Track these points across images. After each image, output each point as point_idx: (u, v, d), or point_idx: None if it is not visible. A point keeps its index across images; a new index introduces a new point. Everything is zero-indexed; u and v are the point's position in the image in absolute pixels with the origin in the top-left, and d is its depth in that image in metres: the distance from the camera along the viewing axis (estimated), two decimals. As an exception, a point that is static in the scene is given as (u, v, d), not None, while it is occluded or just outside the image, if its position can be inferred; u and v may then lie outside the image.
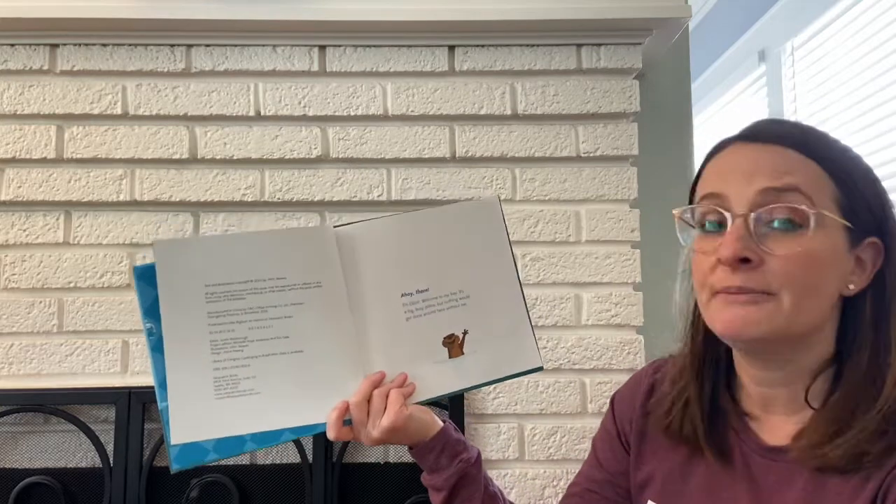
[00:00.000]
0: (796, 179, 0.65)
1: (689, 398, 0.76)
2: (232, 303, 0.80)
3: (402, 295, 0.84)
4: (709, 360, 0.77)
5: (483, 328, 0.84)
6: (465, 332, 0.84)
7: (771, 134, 0.69)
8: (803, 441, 0.66)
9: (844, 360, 0.68)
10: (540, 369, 0.86)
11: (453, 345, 0.84)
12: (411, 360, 0.83)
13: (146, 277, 0.79)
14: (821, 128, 0.72)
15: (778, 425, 0.72)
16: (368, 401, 0.79)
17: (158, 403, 0.78)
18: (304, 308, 0.81)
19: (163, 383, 0.78)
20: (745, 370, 0.74)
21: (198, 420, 0.77)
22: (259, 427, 0.79)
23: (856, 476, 0.63)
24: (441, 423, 0.86)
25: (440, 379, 0.84)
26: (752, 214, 0.66)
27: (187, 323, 0.79)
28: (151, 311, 0.78)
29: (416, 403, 0.83)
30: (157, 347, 0.78)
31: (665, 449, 0.80)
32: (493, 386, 1.40)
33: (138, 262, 1.41)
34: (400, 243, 0.85)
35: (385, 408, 0.79)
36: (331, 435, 0.79)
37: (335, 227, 0.84)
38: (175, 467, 0.76)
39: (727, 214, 0.67)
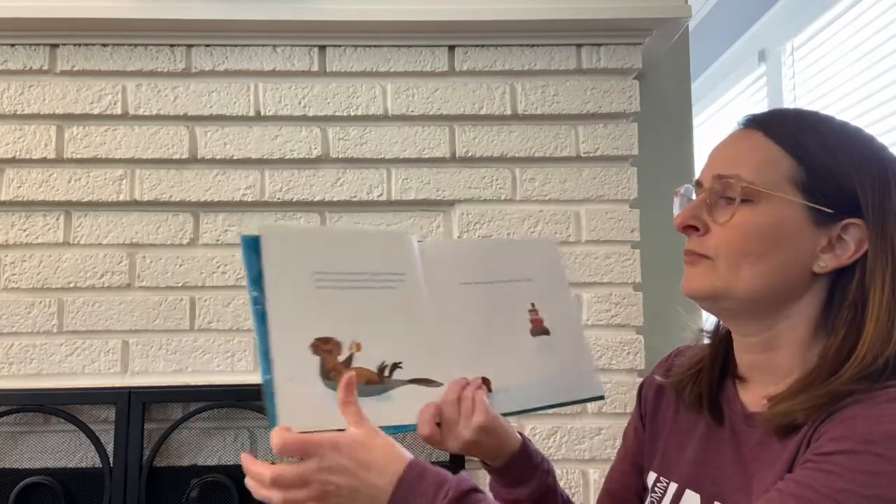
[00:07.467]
0: (743, 165, 0.72)
1: (705, 362, 0.80)
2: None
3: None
4: (724, 328, 0.82)
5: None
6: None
7: (750, 119, 0.76)
8: (767, 412, 0.69)
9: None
10: (602, 398, 0.91)
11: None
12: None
13: (254, 247, 0.79)
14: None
15: (758, 392, 0.74)
16: (458, 402, 0.81)
17: (262, 375, 0.76)
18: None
19: (266, 354, 0.76)
20: (733, 337, 0.79)
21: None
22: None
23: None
24: (519, 437, 0.88)
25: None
26: (706, 191, 0.74)
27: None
28: (258, 280, 0.78)
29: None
30: (261, 318, 0.77)
31: (671, 419, 0.84)
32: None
33: (138, 262, 1.41)
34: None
35: (474, 409, 0.80)
36: (423, 432, 0.79)
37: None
38: None
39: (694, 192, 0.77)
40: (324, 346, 0.79)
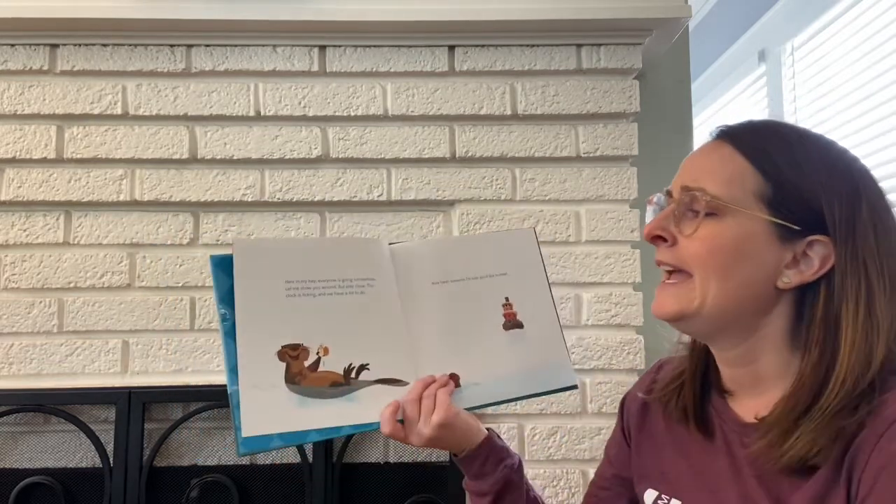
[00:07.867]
0: (709, 178, 0.71)
1: (685, 376, 0.81)
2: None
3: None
4: (701, 343, 0.82)
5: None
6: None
7: (722, 131, 0.76)
8: (760, 442, 0.68)
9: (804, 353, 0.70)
10: (575, 388, 0.90)
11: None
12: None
13: (223, 266, 0.82)
14: (819, 128, 0.74)
15: (748, 404, 0.75)
16: (419, 401, 0.83)
17: (228, 388, 0.79)
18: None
19: (233, 368, 0.80)
20: (712, 351, 0.79)
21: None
22: (324, 423, 0.81)
23: (808, 469, 0.66)
24: (485, 431, 0.90)
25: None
26: (674, 202, 0.74)
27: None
28: (226, 298, 0.81)
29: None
30: (229, 333, 0.81)
31: (661, 435, 0.84)
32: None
33: (138, 262, 1.41)
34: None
35: (434, 407, 0.82)
36: (385, 430, 0.82)
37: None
38: (242, 451, 0.79)
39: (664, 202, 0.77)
40: (291, 353, 0.81)
